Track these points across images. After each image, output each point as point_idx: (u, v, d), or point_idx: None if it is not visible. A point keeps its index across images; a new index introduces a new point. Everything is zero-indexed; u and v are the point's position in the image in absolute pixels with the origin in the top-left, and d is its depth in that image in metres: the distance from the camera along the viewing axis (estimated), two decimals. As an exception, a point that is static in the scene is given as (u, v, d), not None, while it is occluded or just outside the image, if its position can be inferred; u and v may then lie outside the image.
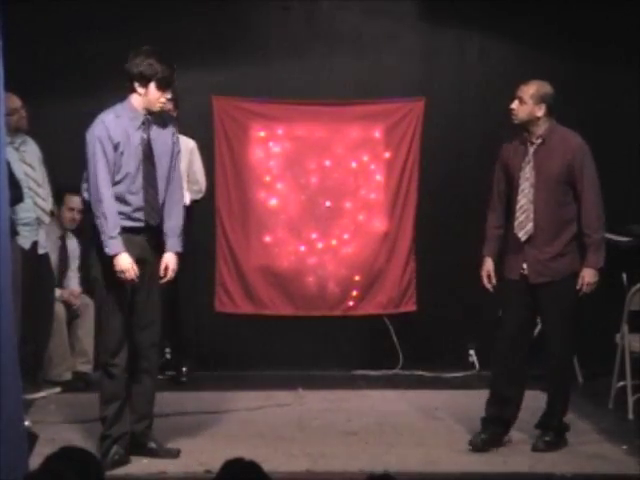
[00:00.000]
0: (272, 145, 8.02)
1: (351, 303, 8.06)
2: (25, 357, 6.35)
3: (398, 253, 8.09)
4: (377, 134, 8.05)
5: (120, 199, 5.43)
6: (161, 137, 5.58)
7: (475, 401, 7.00)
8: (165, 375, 7.60)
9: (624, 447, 5.94)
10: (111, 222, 5.36)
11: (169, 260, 5.56)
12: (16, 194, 6.17)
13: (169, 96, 5.56)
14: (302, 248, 8.05)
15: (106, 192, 5.36)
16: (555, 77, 8.01)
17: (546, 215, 5.74)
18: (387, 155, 8.05)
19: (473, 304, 8.02)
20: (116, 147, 5.41)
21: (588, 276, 5.70)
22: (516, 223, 5.81)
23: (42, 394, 6.91)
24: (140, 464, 5.52)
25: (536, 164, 5.76)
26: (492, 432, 5.90)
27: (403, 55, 8.05)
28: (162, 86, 5.48)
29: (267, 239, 8.04)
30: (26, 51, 7.11)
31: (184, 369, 7.60)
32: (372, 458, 5.66)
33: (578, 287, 5.71)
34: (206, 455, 5.61)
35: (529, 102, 5.74)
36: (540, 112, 5.75)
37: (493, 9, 7.86)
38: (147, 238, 5.54)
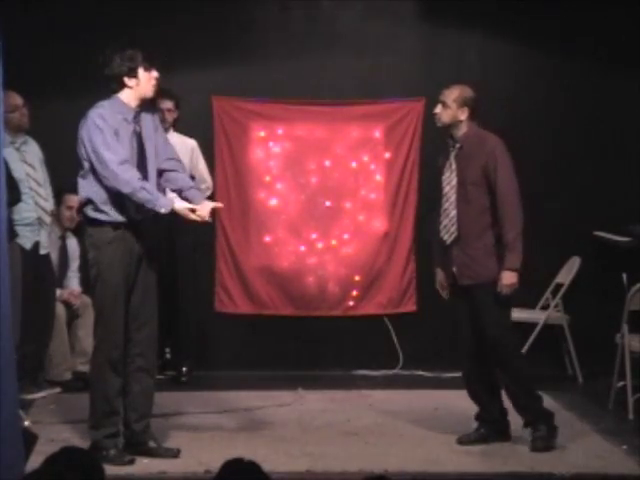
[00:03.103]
0: (272, 145, 8.02)
1: (351, 303, 8.06)
2: (25, 357, 6.37)
3: (398, 253, 8.09)
4: (377, 134, 8.05)
5: (119, 193, 5.43)
6: (149, 131, 5.62)
7: (475, 401, 7.02)
8: (165, 375, 7.61)
9: (624, 447, 5.94)
10: (147, 186, 5.38)
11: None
12: (14, 195, 6.18)
13: (157, 74, 5.57)
14: (302, 248, 8.05)
15: (125, 170, 5.36)
16: (555, 77, 8.09)
17: (468, 218, 5.78)
18: (387, 155, 8.06)
19: (473, 304, 8.03)
20: (116, 134, 5.43)
21: (505, 278, 5.70)
22: (441, 227, 5.89)
23: (42, 394, 6.91)
24: (140, 464, 5.51)
25: (457, 167, 5.82)
26: (477, 431, 6.00)
27: (403, 55, 8.05)
28: (148, 66, 5.51)
29: (267, 239, 8.04)
30: (26, 51, 7.12)
31: (184, 369, 7.61)
32: (372, 458, 5.66)
33: (498, 289, 5.70)
34: (206, 455, 5.60)
35: (452, 106, 5.81)
36: (463, 115, 5.81)
37: (493, 9, 7.86)
38: (146, 234, 5.56)
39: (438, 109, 5.85)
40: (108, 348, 5.48)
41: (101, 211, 5.46)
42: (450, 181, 5.85)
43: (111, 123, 5.43)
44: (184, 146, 7.38)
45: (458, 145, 5.84)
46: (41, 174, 6.84)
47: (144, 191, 5.37)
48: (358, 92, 8.06)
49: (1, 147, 4.81)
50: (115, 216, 5.46)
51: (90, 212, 5.50)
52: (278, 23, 7.97)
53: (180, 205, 5.46)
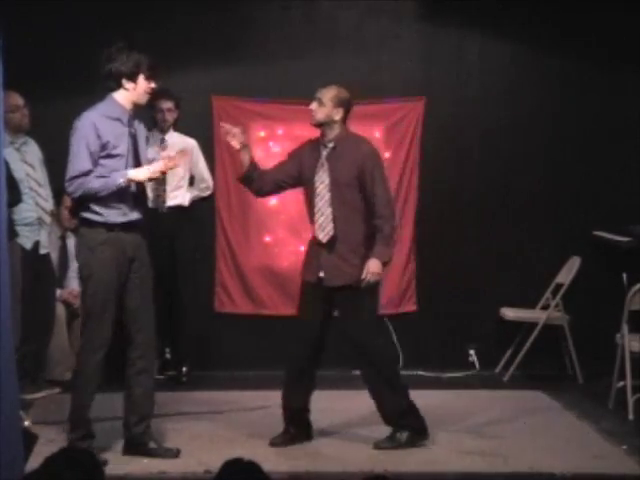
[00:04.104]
0: (272, 145, 8.01)
1: (351, 303, 8.05)
2: (25, 357, 6.37)
3: (398, 253, 8.06)
4: (377, 134, 8.04)
5: (114, 195, 5.43)
6: (140, 132, 5.64)
7: (475, 401, 7.04)
8: (165, 375, 7.62)
9: (624, 447, 5.94)
10: (92, 176, 5.39)
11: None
12: (14, 195, 6.17)
13: (154, 85, 5.57)
14: (302, 248, 8.02)
15: (70, 185, 5.40)
16: (555, 77, 8.09)
17: (341, 218, 5.80)
18: (387, 155, 8.04)
19: (473, 304, 8.03)
20: (104, 146, 5.41)
21: (373, 266, 5.71)
22: (316, 226, 5.87)
23: (42, 394, 6.91)
24: (140, 464, 5.52)
25: (330, 168, 5.83)
26: (287, 432, 5.99)
27: (403, 55, 8.05)
28: (150, 76, 5.52)
29: (267, 239, 8.04)
30: (26, 51, 7.11)
31: (184, 369, 7.61)
32: (372, 458, 5.67)
33: (362, 276, 5.72)
34: (206, 455, 5.61)
35: (328, 104, 5.82)
36: (337, 116, 5.84)
37: (493, 9, 7.86)
38: (138, 235, 5.56)
39: (313, 106, 5.85)
40: (93, 349, 5.46)
41: (95, 212, 5.45)
42: (323, 180, 5.84)
43: (102, 132, 5.41)
44: (184, 146, 7.39)
45: (331, 145, 5.85)
46: (41, 174, 6.85)
47: (93, 182, 5.37)
48: (358, 92, 8.04)
49: (1, 147, 4.81)
50: (109, 217, 5.45)
51: (84, 213, 5.49)
52: (278, 23, 7.97)
53: (134, 170, 5.47)
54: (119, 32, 7.30)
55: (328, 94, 5.83)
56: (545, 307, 7.90)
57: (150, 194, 7.42)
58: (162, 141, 7.38)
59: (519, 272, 8.01)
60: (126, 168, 5.48)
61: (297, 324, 6.03)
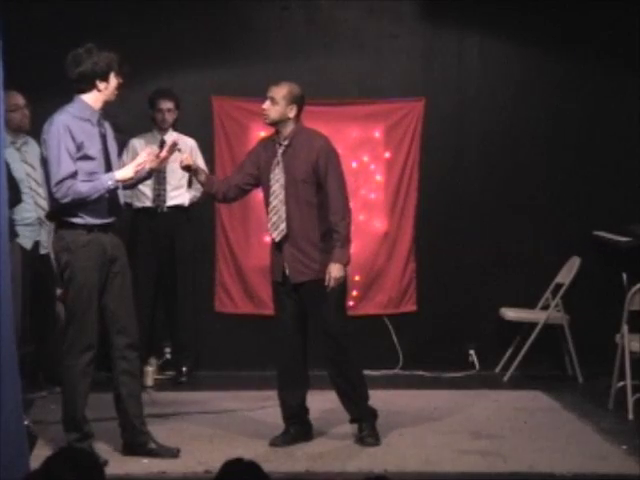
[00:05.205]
0: (272, 145, 8.01)
1: (351, 303, 8.04)
2: (25, 357, 6.37)
3: (398, 253, 8.09)
4: (377, 134, 8.05)
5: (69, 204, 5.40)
6: (109, 133, 5.64)
7: (475, 401, 7.04)
8: (165, 375, 7.62)
9: (624, 447, 5.94)
10: (88, 183, 5.37)
11: None
12: (14, 196, 6.17)
13: (121, 80, 5.56)
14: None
15: (58, 190, 5.36)
16: (555, 77, 8.09)
17: (298, 215, 5.81)
18: (387, 155, 8.06)
19: (473, 304, 8.03)
20: (79, 147, 5.39)
21: (334, 270, 5.72)
22: (270, 224, 5.89)
23: (42, 394, 6.91)
24: (140, 464, 5.52)
25: (284, 165, 5.82)
26: (287, 433, 6.00)
27: (403, 55, 8.05)
28: (120, 72, 5.51)
29: (267, 239, 8.02)
30: (26, 51, 7.11)
31: (184, 369, 7.61)
32: (371, 458, 5.67)
33: (325, 283, 5.72)
34: (206, 455, 5.61)
35: (281, 103, 5.79)
36: (291, 113, 5.81)
37: (493, 9, 7.86)
38: (115, 236, 5.57)
39: (266, 105, 5.82)
40: (78, 351, 5.45)
41: (75, 214, 5.43)
42: (278, 179, 5.83)
43: (75, 133, 5.39)
44: (183, 146, 7.38)
45: (286, 143, 5.84)
46: (41, 174, 6.84)
47: (81, 186, 5.35)
48: (358, 92, 8.06)
49: (1, 147, 4.81)
50: (88, 219, 5.44)
51: (63, 215, 5.47)
52: (278, 23, 7.97)
53: (121, 170, 5.50)
54: (119, 32, 7.34)
55: (281, 92, 5.79)
56: (545, 307, 7.90)
57: (150, 193, 7.45)
58: (161, 141, 7.38)
59: (519, 272, 8.01)
60: (100, 168, 5.46)
61: (275, 325, 6.04)
